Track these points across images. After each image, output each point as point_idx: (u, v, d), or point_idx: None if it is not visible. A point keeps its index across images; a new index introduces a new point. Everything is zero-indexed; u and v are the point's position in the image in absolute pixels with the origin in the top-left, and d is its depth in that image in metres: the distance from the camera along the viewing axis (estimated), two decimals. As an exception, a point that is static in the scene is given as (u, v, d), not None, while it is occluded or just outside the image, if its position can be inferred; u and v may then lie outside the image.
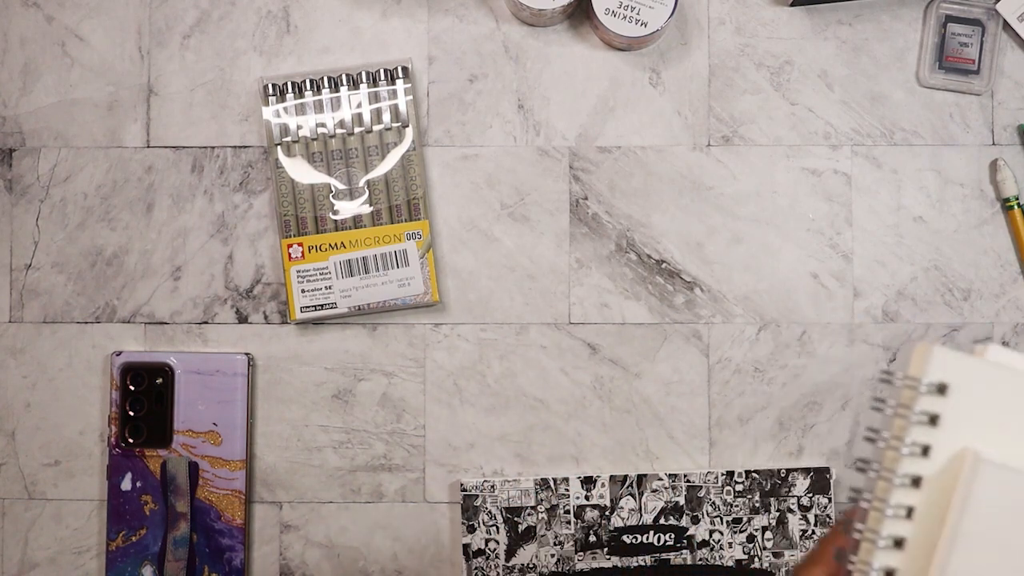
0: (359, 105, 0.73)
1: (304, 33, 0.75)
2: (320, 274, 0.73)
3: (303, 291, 0.73)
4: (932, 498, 0.37)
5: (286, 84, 0.74)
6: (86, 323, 0.75)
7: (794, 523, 0.71)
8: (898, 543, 0.37)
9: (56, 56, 0.75)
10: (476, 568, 0.72)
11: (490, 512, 0.72)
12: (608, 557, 0.72)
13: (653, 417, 0.74)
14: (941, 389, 0.38)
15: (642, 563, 0.72)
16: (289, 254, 0.73)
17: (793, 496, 0.71)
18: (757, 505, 0.72)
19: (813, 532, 0.71)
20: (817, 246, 0.74)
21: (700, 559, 0.71)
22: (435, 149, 0.75)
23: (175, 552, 0.72)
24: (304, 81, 0.74)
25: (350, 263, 0.73)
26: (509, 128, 0.75)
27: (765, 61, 0.75)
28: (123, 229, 0.75)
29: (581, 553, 0.72)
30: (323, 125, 0.73)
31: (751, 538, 0.72)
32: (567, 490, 0.72)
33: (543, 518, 0.72)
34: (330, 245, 0.73)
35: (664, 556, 0.72)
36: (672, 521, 0.72)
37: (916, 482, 0.37)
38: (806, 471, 0.72)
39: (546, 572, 0.72)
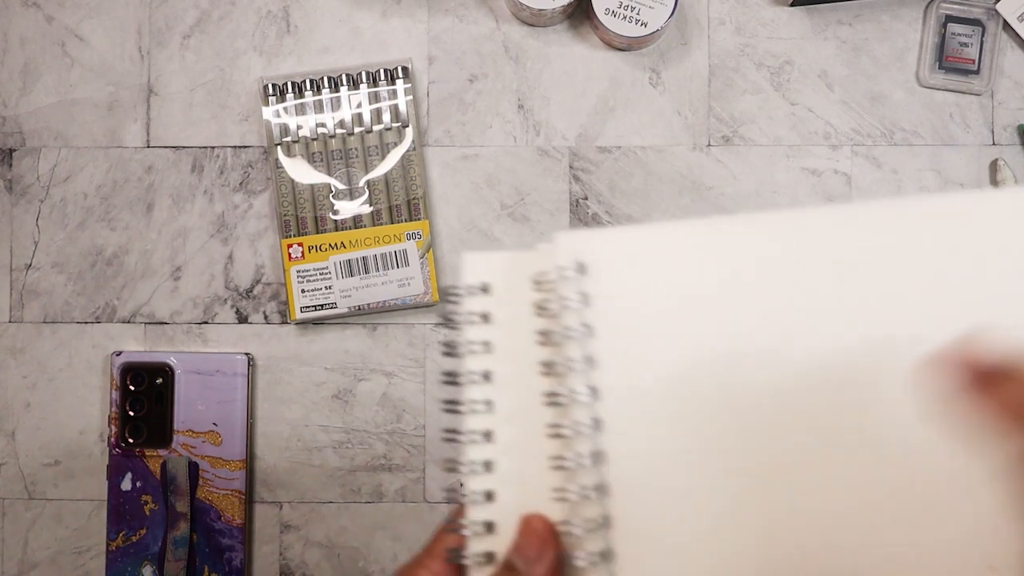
0: (359, 105, 0.73)
1: (304, 33, 0.75)
2: (320, 274, 0.73)
3: (303, 291, 0.73)
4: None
5: (286, 84, 0.74)
6: (86, 323, 0.75)
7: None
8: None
9: (56, 56, 0.75)
10: (476, 568, 0.72)
11: (490, 512, 0.72)
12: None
13: (653, 417, 0.74)
14: (581, 269, 0.36)
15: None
16: (289, 254, 0.73)
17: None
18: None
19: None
20: (817, 246, 0.74)
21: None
22: (435, 149, 0.75)
23: (175, 552, 0.72)
24: (304, 81, 0.74)
25: (350, 263, 0.73)
26: (509, 128, 0.75)
27: (765, 61, 0.75)
28: (123, 229, 0.75)
29: (581, 553, 0.72)
30: (323, 125, 0.73)
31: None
32: (567, 490, 0.72)
33: (543, 518, 0.72)
34: (330, 245, 0.73)
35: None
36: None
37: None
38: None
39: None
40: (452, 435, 0.37)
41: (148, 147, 0.75)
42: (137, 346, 0.74)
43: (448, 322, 0.37)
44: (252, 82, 0.75)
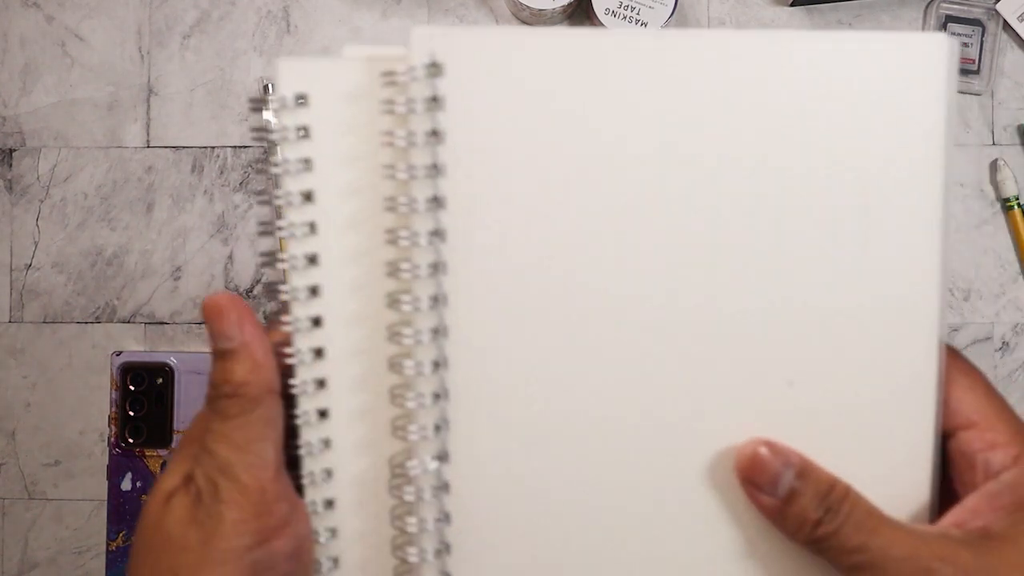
0: (359, 105, 0.73)
1: (304, 33, 0.75)
2: (320, 274, 0.72)
3: (303, 291, 0.72)
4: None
5: (286, 84, 0.73)
6: (86, 323, 0.75)
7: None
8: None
9: (56, 56, 0.75)
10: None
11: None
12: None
13: (653, 417, 0.74)
14: (434, 69, 0.33)
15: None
16: (289, 254, 0.73)
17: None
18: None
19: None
20: (817, 246, 0.74)
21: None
22: (435, 149, 0.75)
23: (175, 552, 0.72)
24: (304, 81, 0.73)
25: (350, 263, 0.73)
26: (509, 128, 0.75)
27: (765, 61, 0.75)
28: (123, 229, 0.75)
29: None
30: (323, 125, 0.73)
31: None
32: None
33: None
34: (330, 245, 0.73)
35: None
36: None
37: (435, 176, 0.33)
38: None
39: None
40: (269, 259, 0.34)
41: (148, 147, 0.75)
42: (137, 346, 0.74)
43: (261, 132, 0.34)
44: (252, 82, 0.75)
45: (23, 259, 0.75)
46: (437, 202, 0.33)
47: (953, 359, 0.33)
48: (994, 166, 0.74)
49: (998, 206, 0.74)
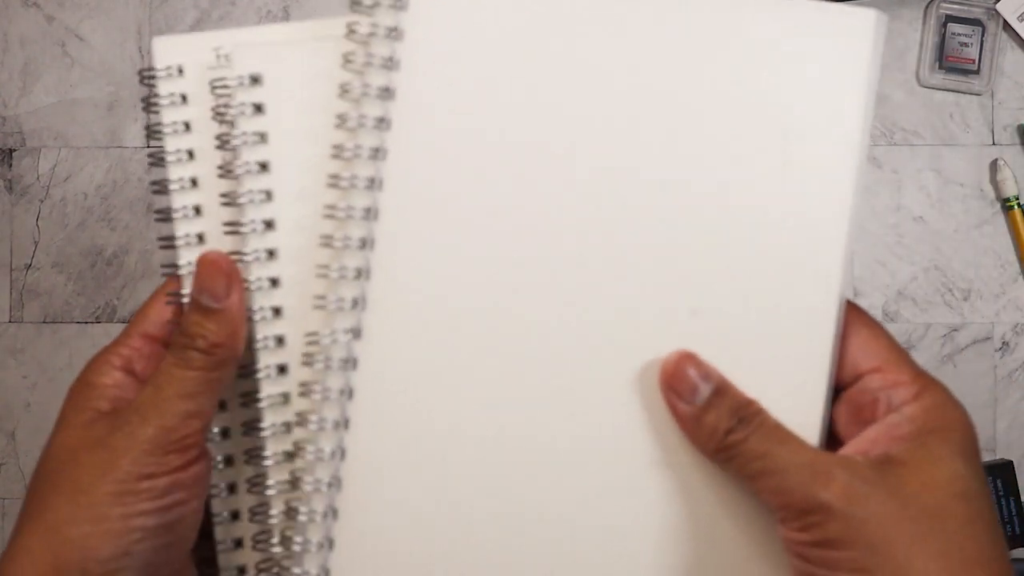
0: (359, 105, 0.73)
1: (304, 33, 0.75)
2: (320, 274, 0.73)
3: (303, 291, 0.73)
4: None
5: (286, 84, 0.74)
6: (86, 323, 0.75)
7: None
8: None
9: (56, 56, 0.75)
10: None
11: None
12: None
13: (653, 417, 0.74)
14: (399, 3, 0.35)
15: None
16: (289, 254, 0.73)
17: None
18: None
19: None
20: (817, 246, 0.74)
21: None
22: (435, 149, 0.75)
23: (175, 552, 0.72)
24: (304, 81, 0.74)
25: (350, 263, 0.73)
26: (509, 128, 0.75)
27: (765, 61, 0.75)
28: (123, 229, 0.75)
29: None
30: (323, 125, 0.73)
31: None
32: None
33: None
34: (330, 245, 0.73)
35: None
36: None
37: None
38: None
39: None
40: (164, 215, 0.36)
41: (148, 147, 0.75)
42: (137, 346, 0.74)
43: (149, 105, 0.35)
44: (252, 82, 0.75)
45: (23, 259, 0.75)
46: (384, 123, 0.35)
47: (855, 311, 0.35)
48: (994, 166, 0.74)
49: (998, 206, 0.74)
